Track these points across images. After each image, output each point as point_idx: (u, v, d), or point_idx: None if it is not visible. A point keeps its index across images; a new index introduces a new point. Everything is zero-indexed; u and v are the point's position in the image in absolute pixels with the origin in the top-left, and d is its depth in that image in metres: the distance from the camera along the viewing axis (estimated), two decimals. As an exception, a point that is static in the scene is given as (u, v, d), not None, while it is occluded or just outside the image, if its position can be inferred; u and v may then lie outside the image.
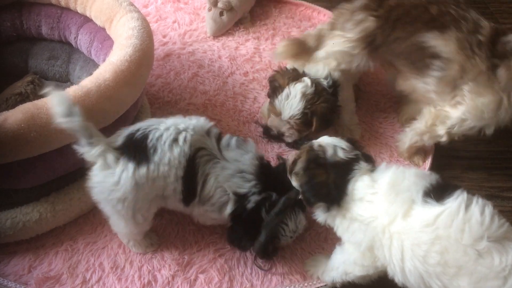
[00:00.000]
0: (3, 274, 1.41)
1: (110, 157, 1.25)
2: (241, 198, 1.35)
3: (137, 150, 1.27)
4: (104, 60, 1.51)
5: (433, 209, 1.14)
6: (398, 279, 1.21)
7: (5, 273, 1.41)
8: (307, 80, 1.68)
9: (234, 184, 1.34)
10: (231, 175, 1.34)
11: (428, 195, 1.16)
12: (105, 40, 1.68)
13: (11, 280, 1.40)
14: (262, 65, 2.14)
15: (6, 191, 1.41)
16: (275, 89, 1.72)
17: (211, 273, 1.45)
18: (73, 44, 1.80)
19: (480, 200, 1.15)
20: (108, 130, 1.42)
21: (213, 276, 1.45)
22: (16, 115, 1.24)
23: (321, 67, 1.77)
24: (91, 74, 1.41)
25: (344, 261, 1.31)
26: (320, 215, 1.30)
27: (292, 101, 1.66)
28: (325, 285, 1.43)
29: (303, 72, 1.74)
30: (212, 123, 1.40)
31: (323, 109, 1.67)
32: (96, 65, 1.70)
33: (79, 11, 1.74)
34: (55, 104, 1.14)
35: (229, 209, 1.36)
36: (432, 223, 1.12)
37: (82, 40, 1.75)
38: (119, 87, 1.39)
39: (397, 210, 1.17)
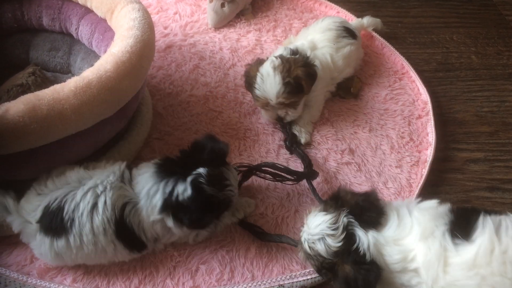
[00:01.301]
0: (5, 265, 1.42)
1: (31, 228, 1.31)
2: (169, 206, 1.31)
3: (53, 223, 1.28)
4: (105, 52, 1.50)
5: (466, 250, 1.06)
6: None
7: (7, 264, 1.42)
8: (270, 58, 1.70)
9: (154, 208, 1.32)
10: (150, 208, 1.32)
11: (455, 235, 1.08)
12: (106, 31, 1.67)
13: (13, 270, 1.41)
14: (263, 57, 2.11)
15: (8, 183, 1.41)
16: (250, 81, 1.72)
17: (212, 264, 1.46)
18: (74, 35, 1.80)
19: (508, 221, 1.08)
20: (109, 122, 1.43)
21: (215, 267, 1.45)
22: (17, 106, 1.24)
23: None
24: (92, 65, 1.41)
25: None
26: None
27: (268, 80, 1.65)
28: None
29: (266, 58, 1.75)
30: (123, 164, 1.39)
31: (302, 69, 1.67)
32: (97, 57, 1.70)
33: (80, 2, 1.73)
34: None
35: (170, 222, 1.33)
36: (472, 265, 1.05)
37: (83, 31, 1.74)
38: (120, 78, 1.38)
39: (435, 267, 1.07)
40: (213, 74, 2.04)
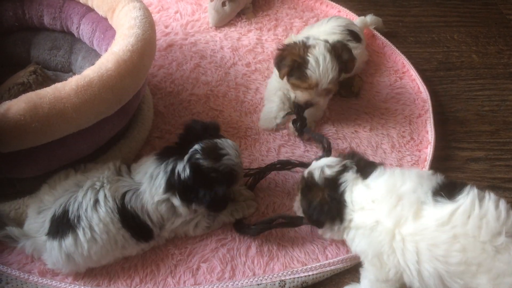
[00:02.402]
0: (7, 263, 1.42)
1: (39, 243, 1.33)
2: (173, 185, 1.34)
3: (59, 226, 1.32)
4: (106, 50, 1.51)
5: (445, 207, 1.12)
6: (416, 285, 1.18)
7: (9, 262, 1.42)
8: (319, 41, 1.67)
9: (157, 188, 1.35)
10: (154, 189, 1.35)
11: (438, 194, 1.15)
12: (107, 30, 1.67)
13: (14, 268, 1.41)
14: (264, 55, 2.13)
15: (10, 180, 1.42)
16: (299, 63, 1.64)
17: (213, 262, 1.46)
18: (75, 34, 1.80)
19: (492, 195, 1.14)
20: (110, 120, 1.43)
21: (215, 265, 1.46)
22: (19, 105, 1.24)
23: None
24: (93, 64, 1.41)
25: (371, 284, 1.30)
26: (328, 233, 1.33)
27: (324, 64, 1.61)
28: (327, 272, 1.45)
29: (303, 41, 1.69)
30: (119, 161, 1.44)
31: (349, 53, 1.69)
32: (98, 55, 1.70)
33: (81, 1, 1.73)
34: None
35: (176, 202, 1.35)
36: (447, 221, 1.11)
37: (84, 30, 1.74)
38: (122, 77, 1.39)
39: (404, 212, 1.16)
40: (214, 73, 2.04)
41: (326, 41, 1.68)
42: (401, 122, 1.92)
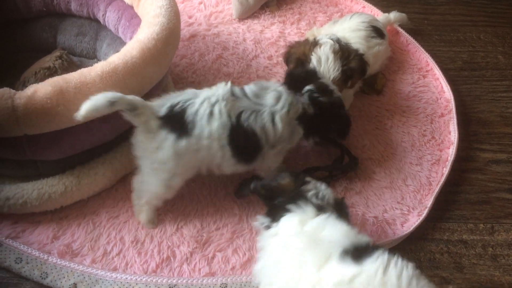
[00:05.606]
0: (27, 243, 1.45)
1: (153, 123, 1.31)
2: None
3: (177, 123, 1.32)
4: (130, 38, 1.53)
5: (349, 269, 1.05)
6: None
7: (29, 242, 1.45)
8: (329, 40, 1.65)
9: (295, 107, 1.43)
10: (288, 106, 1.41)
11: (347, 253, 1.08)
12: (132, 18, 1.69)
13: (35, 248, 1.44)
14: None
15: (34, 162, 1.45)
16: (302, 62, 1.64)
17: (228, 252, 1.47)
18: (101, 21, 1.82)
19: (400, 262, 1.07)
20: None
21: (231, 255, 1.46)
22: (45, 88, 1.27)
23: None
24: (117, 51, 1.43)
25: None
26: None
27: (327, 64, 1.61)
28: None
29: (315, 38, 1.69)
30: (230, 83, 1.42)
31: (358, 62, 1.66)
32: (123, 43, 1.72)
33: (108, -11, 1.75)
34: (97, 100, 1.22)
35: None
36: (347, 282, 1.04)
37: (110, 17, 1.76)
38: (146, 65, 1.41)
39: (314, 258, 1.10)
40: (235, 65, 2.05)
41: (338, 41, 1.66)
42: (423, 120, 1.90)
